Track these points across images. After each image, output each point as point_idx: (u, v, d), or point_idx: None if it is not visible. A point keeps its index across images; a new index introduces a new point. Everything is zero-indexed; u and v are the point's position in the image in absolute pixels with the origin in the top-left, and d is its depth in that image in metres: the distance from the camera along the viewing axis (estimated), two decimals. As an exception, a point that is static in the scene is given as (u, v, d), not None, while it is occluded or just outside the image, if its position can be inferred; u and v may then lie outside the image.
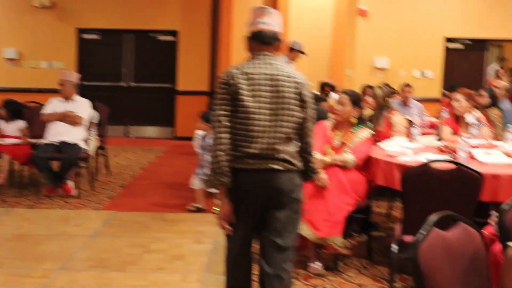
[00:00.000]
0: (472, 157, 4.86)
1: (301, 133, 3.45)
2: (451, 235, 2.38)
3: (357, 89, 9.42)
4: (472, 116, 6.14)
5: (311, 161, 3.53)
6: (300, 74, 3.47)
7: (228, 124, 3.33)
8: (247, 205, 3.39)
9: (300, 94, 3.39)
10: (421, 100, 10.36)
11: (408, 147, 5.26)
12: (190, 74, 12.75)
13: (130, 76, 13.35)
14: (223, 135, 3.32)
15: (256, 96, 3.31)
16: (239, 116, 3.31)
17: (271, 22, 3.46)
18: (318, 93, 9.77)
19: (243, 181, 3.34)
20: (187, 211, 6.79)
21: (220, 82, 3.38)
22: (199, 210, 6.79)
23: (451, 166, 4.08)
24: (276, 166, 3.35)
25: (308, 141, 3.48)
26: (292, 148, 3.41)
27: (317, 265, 4.92)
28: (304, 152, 3.48)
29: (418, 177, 4.04)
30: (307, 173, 3.52)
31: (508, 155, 5.05)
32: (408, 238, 4.10)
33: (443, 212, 2.39)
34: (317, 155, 5.01)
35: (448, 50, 13.13)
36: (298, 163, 3.44)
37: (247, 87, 3.31)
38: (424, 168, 4.03)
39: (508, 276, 2.19)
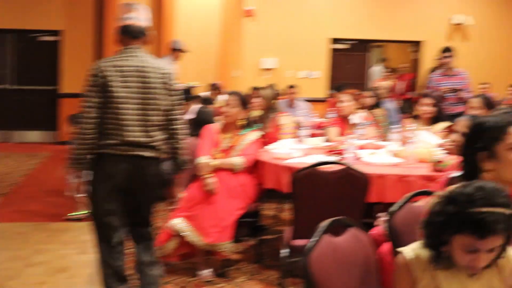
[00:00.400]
0: (358, 158, 4.90)
1: (169, 121, 3.72)
2: (342, 241, 2.32)
3: (245, 90, 9.39)
4: (358, 117, 6.21)
5: (180, 148, 3.80)
6: (167, 65, 3.75)
7: (95, 115, 3.55)
8: (113, 186, 3.66)
9: (166, 83, 3.67)
10: (308, 101, 10.46)
11: (296, 149, 5.24)
12: (75, 75, 12.27)
13: (11, 78, 12.71)
14: (88, 126, 3.56)
15: (125, 87, 3.56)
16: (110, 107, 3.54)
17: (139, 17, 3.71)
18: (207, 94, 9.66)
19: (113, 165, 3.62)
20: (70, 220, 6.48)
21: (89, 75, 3.57)
22: (80, 218, 6.48)
23: (339, 167, 4.06)
24: (145, 153, 3.63)
25: (176, 128, 3.75)
26: (161, 135, 3.70)
27: (207, 272, 4.80)
28: (173, 139, 3.76)
29: (306, 179, 3.99)
30: (175, 159, 3.81)
31: (394, 154, 5.13)
32: (298, 242, 4.05)
33: (334, 218, 2.32)
34: (205, 159, 4.89)
35: (333, 50, 13.36)
36: (167, 150, 3.75)
37: (116, 78, 3.54)
38: (312, 170, 3.99)
39: (399, 284, 2.15)
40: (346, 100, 6.22)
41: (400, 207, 2.85)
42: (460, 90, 7.90)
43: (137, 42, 3.67)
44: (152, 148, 3.66)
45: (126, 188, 3.70)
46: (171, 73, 3.70)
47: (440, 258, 2.06)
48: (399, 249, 2.19)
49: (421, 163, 4.83)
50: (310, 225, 4.00)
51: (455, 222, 1.95)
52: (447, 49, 8.32)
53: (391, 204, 4.73)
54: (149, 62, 3.64)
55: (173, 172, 3.87)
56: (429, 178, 4.42)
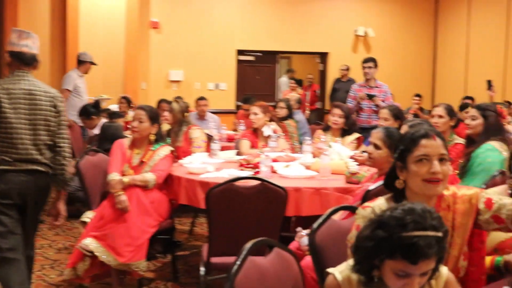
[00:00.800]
0: (273, 171, 4.86)
1: (57, 140, 3.99)
2: (267, 263, 2.25)
3: (153, 103, 9.21)
4: (269, 129, 6.20)
5: (65, 166, 4.03)
6: (54, 89, 4.03)
7: None
8: (9, 201, 3.85)
9: (54, 106, 3.96)
10: (217, 113, 10.40)
11: (209, 163, 5.15)
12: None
13: None
14: None
15: (15, 108, 3.83)
16: (2, 127, 3.81)
17: (32, 45, 3.97)
18: (115, 107, 9.41)
19: (7, 180, 3.83)
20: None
21: None
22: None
23: (255, 182, 4.00)
24: (38, 168, 3.91)
25: (62, 147, 4.01)
26: (49, 153, 3.98)
27: (121, 293, 4.63)
28: (59, 157, 4.01)
29: (222, 195, 3.90)
30: (60, 176, 4.02)
31: (307, 167, 5.12)
32: (215, 260, 3.96)
33: (256, 239, 2.24)
34: (116, 175, 4.72)
35: (240, 62, 13.37)
36: (53, 167, 4.00)
37: (7, 100, 3.81)
38: (228, 186, 3.91)
39: None
40: (257, 112, 6.19)
41: (321, 223, 2.80)
42: (380, 103, 7.81)
43: (28, 68, 3.95)
44: (44, 164, 3.95)
45: (19, 204, 3.89)
46: (58, 96, 4.01)
47: (372, 282, 2.02)
48: (329, 270, 2.14)
49: (335, 175, 4.84)
50: (227, 242, 3.95)
51: (386, 247, 1.89)
52: (369, 59, 8.23)
53: (308, 217, 4.78)
54: (38, 86, 3.94)
55: (59, 189, 4.07)
56: (345, 191, 4.43)
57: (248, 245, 2.18)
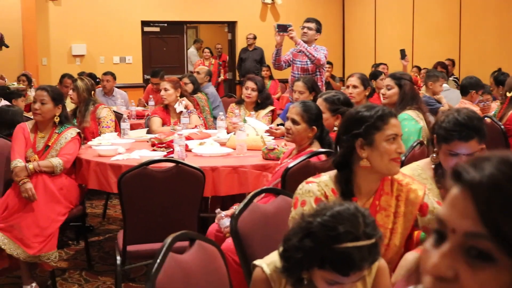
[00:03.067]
0: (187, 150, 4.67)
1: None
2: (189, 257, 2.08)
3: (55, 79, 8.80)
4: (180, 105, 5.99)
5: None
6: None
7: None
8: None
9: None
10: (124, 88, 10.05)
11: (119, 144, 4.90)
12: None
13: None
14: None
15: None
16: None
17: None
18: (15, 85, 8.91)
19: None
20: None
21: None
22: None
23: (170, 164, 3.81)
24: None
25: None
26: None
27: (33, 287, 4.35)
28: None
29: (135, 180, 3.68)
30: None
31: (222, 144, 4.97)
32: (131, 247, 3.76)
33: (176, 234, 2.06)
34: (19, 162, 4.41)
35: (145, 34, 12.96)
36: None
37: None
38: (141, 170, 3.69)
39: None
40: (168, 88, 5.96)
41: (243, 208, 2.66)
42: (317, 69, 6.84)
43: None
44: None
45: None
46: None
47: (301, 283, 1.89)
48: (257, 263, 2.00)
49: (252, 151, 4.71)
50: (144, 228, 3.75)
51: (315, 258, 1.76)
52: (311, 19, 7.03)
53: (226, 197, 4.64)
54: None
55: None
56: (263, 168, 4.32)
57: (168, 240, 2.00)
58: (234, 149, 4.71)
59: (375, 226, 1.78)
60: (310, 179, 2.48)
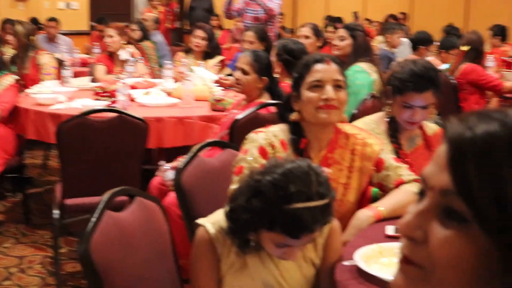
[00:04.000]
0: (132, 99, 4.47)
1: None
2: (128, 216, 1.93)
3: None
4: (126, 52, 5.75)
5: None
6: None
7: None
8: None
9: None
10: (68, 34, 9.66)
11: (60, 92, 4.66)
12: None
13: None
14: None
15: None
16: None
17: None
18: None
19: None
20: None
21: None
22: None
23: (112, 114, 3.61)
24: None
25: None
26: None
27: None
28: None
29: (75, 130, 3.48)
30: None
31: (169, 93, 4.78)
32: (70, 201, 3.58)
33: (113, 190, 1.90)
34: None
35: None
36: None
37: None
38: (81, 120, 3.49)
39: (200, 261, 1.83)
40: (113, 35, 5.70)
41: (188, 162, 2.51)
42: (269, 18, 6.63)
43: None
44: None
45: None
46: None
47: (247, 245, 1.76)
48: (200, 222, 1.86)
49: (199, 102, 4.53)
50: (83, 181, 3.57)
51: (264, 220, 1.63)
52: None
53: (171, 149, 4.47)
54: None
55: None
56: (209, 119, 4.15)
57: (105, 197, 1.85)
58: (181, 99, 4.53)
59: (328, 186, 1.66)
60: (259, 129, 2.34)
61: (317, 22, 9.21)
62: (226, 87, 5.14)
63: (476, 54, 5.46)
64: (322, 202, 1.61)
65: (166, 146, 4.12)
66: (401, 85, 2.65)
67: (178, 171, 2.46)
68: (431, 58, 6.34)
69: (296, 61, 4.27)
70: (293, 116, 2.32)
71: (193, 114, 4.20)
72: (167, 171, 3.61)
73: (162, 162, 3.65)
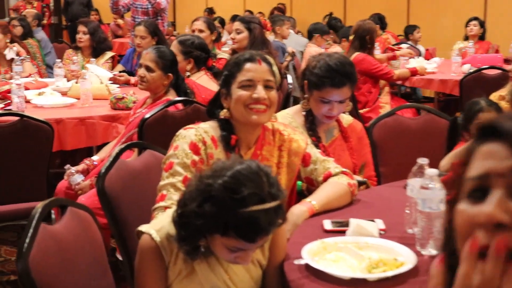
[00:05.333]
0: (26, 101, 4.25)
1: None
2: (62, 228, 1.83)
3: None
4: (12, 51, 5.47)
5: None
6: None
7: None
8: None
9: None
10: None
11: None
12: None
13: None
14: None
15: None
16: None
17: None
18: None
19: None
20: None
21: None
22: None
23: (12, 118, 3.42)
24: None
25: None
26: None
27: None
28: None
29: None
30: None
31: (63, 93, 4.60)
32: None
33: (45, 202, 1.80)
34: None
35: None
36: None
37: None
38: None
39: (146, 270, 1.76)
40: (-4, 33, 5.41)
41: (109, 166, 2.41)
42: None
43: None
44: None
45: None
46: None
47: (197, 251, 1.72)
48: (143, 229, 1.79)
49: (98, 101, 4.39)
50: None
51: (218, 225, 1.58)
52: None
53: (72, 152, 4.31)
54: None
55: None
56: (112, 118, 4.04)
57: (38, 209, 1.74)
58: (78, 99, 4.37)
59: (279, 186, 1.64)
60: (189, 126, 2.30)
61: (198, 16, 9.18)
62: (121, 84, 5.02)
63: (363, 43, 5.59)
64: (275, 203, 1.59)
65: (68, 148, 3.97)
66: (318, 81, 2.68)
67: (101, 175, 2.36)
68: (338, 48, 6.50)
69: (207, 56, 4.29)
70: (223, 113, 2.29)
71: (94, 113, 4.07)
72: (73, 175, 3.48)
73: (68, 166, 3.51)
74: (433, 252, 1.90)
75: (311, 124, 2.79)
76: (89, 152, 4.27)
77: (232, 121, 2.30)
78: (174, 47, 4.09)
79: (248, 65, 2.24)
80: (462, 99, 5.20)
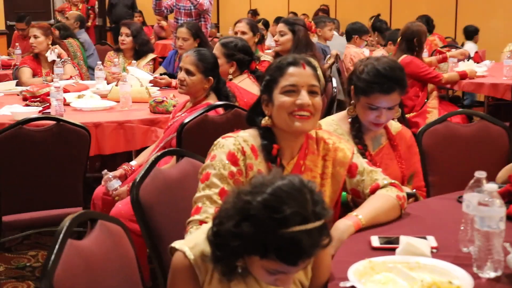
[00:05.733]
0: (65, 103, 4.18)
1: None
2: (91, 242, 1.72)
3: None
4: (53, 53, 5.44)
5: None
6: None
7: None
8: None
9: None
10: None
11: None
12: None
13: None
14: None
15: None
16: None
17: None
18: None
19: None
20: None
21: None
22: None
23: (50, 122, 3.34)
24: None
25: None
26: None
27: None
28: None
29: (10, 141, 3.19)
30: None
31: (103, 96, 4.53)
32: (9, 218, 3.28)
33: (73, 216, 1.69)
34: None
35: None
36: None
37: None
38: (16, 130, 3.20)
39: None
40: (38, 35, 5.39)
41: (144, 175, 2.30)
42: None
43: None
44: None
45: None
46: None
47: (234, 272, 1.58)
48: (177, 246, 1.67)
49: (138, 104, 4.31)
50: (23, 196, 3.28)
51: (257, 246, 1.45)
52: None
53: (112, 156, 4.23)
54: None
55: None
56: (151, 122, 3.95)
57: (65, 224, 1.63)
58: (118, 102, 4.29)
59: (323, 203, 1.49)
60: (227, 134, 2.17)
61: (243, 17, 9.07)
62: (161, 86, 4.94)
63: (410, 46, 5.40)
64: (319, 223, 1.45)
65: (106, 152, 3.89)
66: (366, 87, 2.53)
67: (135, 185, 2.25)
68: (383, 51, 6.32)
69: (251, 59, 4.17)
70: (264, 121, 2.16)
71: (133, 117, 3.98)
72: (111, 181, 3.40)
73: (105, 171, 3.43)
74: (492, 274, 1.74)
75: (358, 132, 2.64)
76: (129, 156, 4.17)
77: (274, 129, 2.16)
78: (217, 49, 3.98)
79: (291, 69, 2.10)
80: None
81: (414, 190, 2.57)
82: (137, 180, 2.27)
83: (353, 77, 2.61)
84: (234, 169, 2.07)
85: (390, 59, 2.64)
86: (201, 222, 2.01)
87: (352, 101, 2.63)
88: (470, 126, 3.27)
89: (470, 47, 8.19)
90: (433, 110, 5.41)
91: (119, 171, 3.53)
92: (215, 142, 2.14)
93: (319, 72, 2.20)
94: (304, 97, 2.07)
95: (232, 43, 4.08)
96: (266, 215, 1.41)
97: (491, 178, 3.17)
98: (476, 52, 7.59)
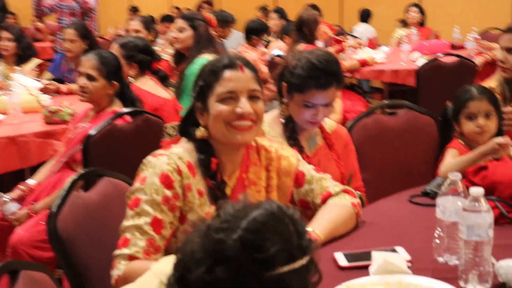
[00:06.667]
0: None
1: None
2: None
3: None
4: None
5: None
6: None
7: None
8: None
9: None
10: None
11: None
12: None
13: None
14: None
15: None
16: None
17: None
18: None
19: None
20: None
21: None
22: None
23: None
24: None
25: None
26: None
27: None
28: None
29: None
30: None
31: None
32: None
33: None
34: None
35: None
36: None
37: None
38: None
39: None
40: None
41: (61, 203, 1.96)
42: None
43: None
44: None
45: None
46: None
47: None
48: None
49: (28, 114, 3.89)
50: None
51: None
52: None
53: (7, 175, 3.80)
54: None
55: None
56: (47, 134, 3.58)
57: None
58: (6, 114, 3.85)
59: (307, 233, 1.22)
60: (158, 151, 1.86)
61: (121, 15, 8.65)
62: (50, 93, 4.52)
63: (302, 35, 5.22)
64: (306, 258, 1.18)
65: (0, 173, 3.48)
66: (301, 83, 2.29)
67: (52, 215, 1.91)
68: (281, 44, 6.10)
69: (152, 59, 3.85)
70: (199, 132, 1.87)
71: (25, 131, 3.58)
72: (7, 203, 3.05)
73: (0, 194, 3.05)
74: (479, 287, 1.56)
75: (292, 133, 2.40)
76: (20, 175, 3.74)
77: (211, 141, 1.88)
78: (115, 51, 3.63)
79: (228, 73, 1.82)
80: (419, 90, 4.92)
81: (360, 193, 2.37)
82: (53, 210, 1.93)
83: (285, 73, 2.37)
84: (168, 193, 1.77)
85: (324, 51, 2.42)
86: (130, 256, 1.72)
87: (285, 100, 2.39)
88: (396, 118, 3.12)
89: (362, 29, 8.28)
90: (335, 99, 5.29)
91: (15, 193, 3.19)
92: (145, 161, 1.83)
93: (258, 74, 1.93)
94: (244, 105, 1.80)
95: (132, 43, 3.77)
96: (246, 256, 1.12)
97: (421, 168, 3.09)
98: (370, 40, 7.62)
